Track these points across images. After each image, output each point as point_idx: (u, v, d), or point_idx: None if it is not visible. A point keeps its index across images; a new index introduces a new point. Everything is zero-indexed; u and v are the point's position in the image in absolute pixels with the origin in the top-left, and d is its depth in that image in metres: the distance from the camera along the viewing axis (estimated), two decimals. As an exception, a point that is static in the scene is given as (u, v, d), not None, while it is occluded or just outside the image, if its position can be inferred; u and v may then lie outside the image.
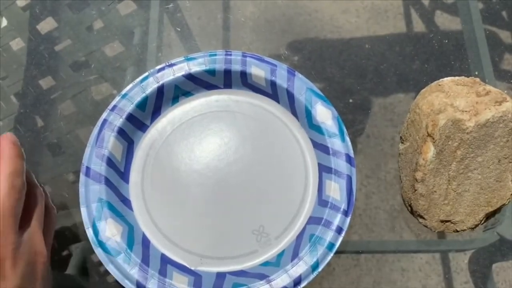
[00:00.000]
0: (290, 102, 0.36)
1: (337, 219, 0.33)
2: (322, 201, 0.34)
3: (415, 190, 0.33)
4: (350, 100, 0.40)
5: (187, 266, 0.33)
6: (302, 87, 0.36)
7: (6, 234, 0.25)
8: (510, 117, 0.31)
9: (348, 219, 0.33)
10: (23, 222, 0.28)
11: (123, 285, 0.31)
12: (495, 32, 0.42)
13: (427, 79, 0.40)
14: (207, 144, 0.37)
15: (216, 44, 0.42)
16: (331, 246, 0.32)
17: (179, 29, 0.43)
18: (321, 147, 0.35)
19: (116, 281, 0.31)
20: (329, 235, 0.32)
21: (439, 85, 0.34)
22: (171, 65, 0.37)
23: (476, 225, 0.34)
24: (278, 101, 0.37)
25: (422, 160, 0.32)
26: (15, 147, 0.27)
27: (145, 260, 0.32)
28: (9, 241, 0.25)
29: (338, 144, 0.34)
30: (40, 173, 0.38)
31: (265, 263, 0.33)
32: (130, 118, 0.36)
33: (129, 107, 0.36)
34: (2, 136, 0.27)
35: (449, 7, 0.44)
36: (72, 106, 0.40)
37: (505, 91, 0.35)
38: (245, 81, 0.37)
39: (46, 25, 0.43)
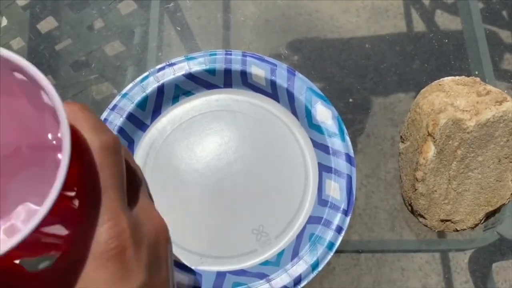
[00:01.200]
0: (290, 102, 0.36)
1: (337, 219, 0.33)
2: (322, 200, 0.34)
3: (416, 189, 0.33)
4: (350, 100, 0.40)
5: (188, 265, 0.33)
6: (302, 86, 0.36)
7: (116, 215, 0.18)
8: (511, 116, 0.31)
9: (348, 219, 0.33)
10: (131, 198, 0.21)
11: (123, 284, 0.31)
12: (495, 31, 0.42)
13: (427, 79, 0.40)
14: (207, 144, 0.37)
15: (216, 43, 0.42)
16: (331, 245, 0.32)
17: (179, 29, 0.43)
18: (321, 147, 0.35)
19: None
20: (329, 235, 0.32)
21: (440, 84, 0.34)
22: (171, 65, 0.37)
23: (476, 225, 0.34)
24: (278, 101, 0.37)
25: (422, 159, 0.32)
26: (86, 108, 0.20)
27: (145, 260, 0.32)
28: (123, 223, 0.18)
29: (338, 143, 0.34)
30: (40, 173, 0.38)
31: (265, 263, 0.33)
32: (130, 117, 0.36)
33: (129, 106, 0.36)
34: (65, 104, 0.18)
35: (449, 6, 0.43)
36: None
37: (505, 91, 0.35)
38: (245, 81, 0.37)
39: (47, 25, 0.43)
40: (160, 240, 0.21)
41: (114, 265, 0.17)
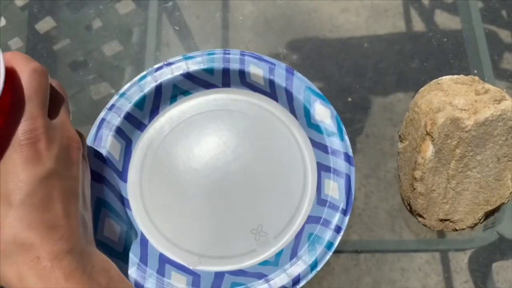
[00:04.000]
0: (289, 101, 0.36)
1: (335, 218, 0.32)
2: (320, 200, 0.34)
3: (414, 189, 0.33)
4: (349, 99, 0.40)
5: (186, 265, 0.33)
6: (300, 86, 0.36)
7: (35, 117, 0.25)
8: (509, 115, 0.31)
9: (347, 218, 0.33)
10: (52, 112, 0.27)
11: (121, 284, 0.31)
12: (494, 31, 0.42)
13: (426, 78, 0.40)
14: (205, 143, 0.36)
15: (214, 43, 0.42)
16: (330, 245, 0.32)
17: (177, 28, 0.43)
18: (320, 146, 0.35)
19: (114, 281, 0.31)
20: (328, 234, 0.32)
21: (438, 83, 0.34)
22: (169, 64, 0.37)
23: (476, 224, 0.34)
24: (276, 100, 0.37)
25: (421, 159, 0.32)
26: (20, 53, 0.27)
27: (143, 260, 0.32)
28: (40, 123, 0.25)
29: (337, 143, 0.34)
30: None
31: (264, 263, 0.33)
32: (128, 117, 0.36)
33: (127, 106, 0.36)
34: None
35: (448, 6, 0.43)
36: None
37: (504, 90, 0.35)
38: (243, 80, 0.37)
39: (45, 25, 0.43)
40: (72, 146, 0.27)
41: (27, 150, 0.24)
